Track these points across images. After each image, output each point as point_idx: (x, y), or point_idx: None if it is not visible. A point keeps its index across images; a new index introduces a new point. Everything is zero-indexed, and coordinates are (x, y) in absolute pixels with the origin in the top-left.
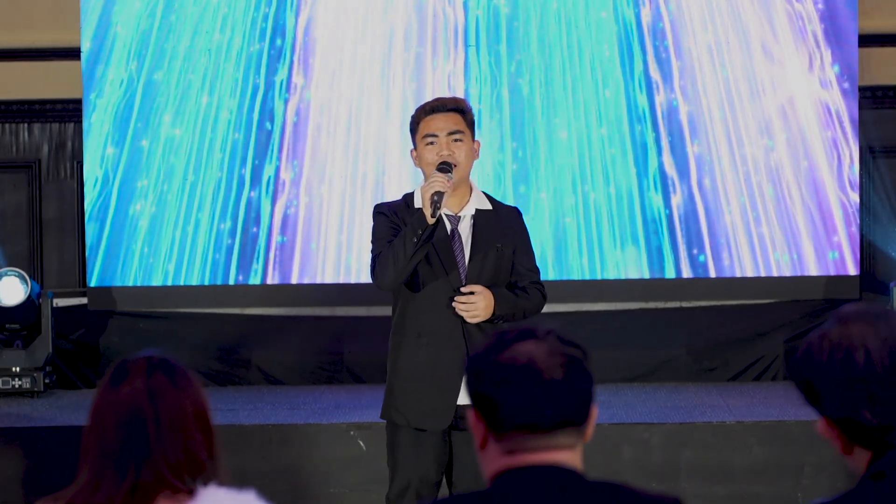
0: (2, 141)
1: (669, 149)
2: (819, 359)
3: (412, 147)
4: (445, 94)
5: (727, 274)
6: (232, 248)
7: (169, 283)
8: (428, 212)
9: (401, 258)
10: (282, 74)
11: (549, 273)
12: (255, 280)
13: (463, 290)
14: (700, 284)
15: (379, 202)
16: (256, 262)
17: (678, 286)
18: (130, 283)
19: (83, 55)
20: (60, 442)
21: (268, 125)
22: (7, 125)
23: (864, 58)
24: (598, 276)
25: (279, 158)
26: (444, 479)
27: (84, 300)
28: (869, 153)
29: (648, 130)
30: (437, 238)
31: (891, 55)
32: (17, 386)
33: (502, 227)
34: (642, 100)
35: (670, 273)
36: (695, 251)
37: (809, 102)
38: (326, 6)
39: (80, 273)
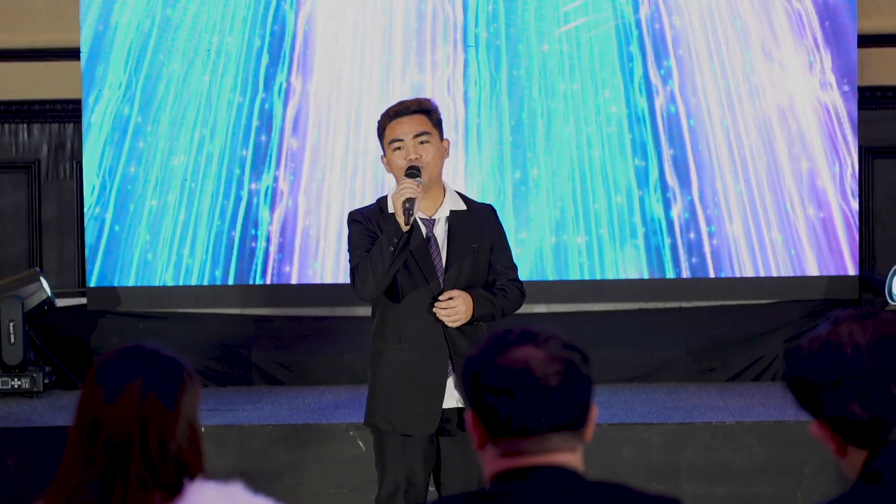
0: (1, 141)
1: (669, 149)
2: (809, 358)
3: (382, 154)
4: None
5: (727, 274)
6: (232, 247)
7: (169, 283)
8: (402, 220)
9: (379, 268)
10: (281, 73)
11: (548, 273)
12: (255, 280)
13: (441, 296)
14: (700, 284)
15: (353, 209)
16: (256, 262)
17: (678, 286)
18: (130, 284)
19: (82, 55)
20: (60, 442)
21: (267, 124)
22: (7, 125)
23: (864, 58)
24: (598, 277)
25: (279, 158)
26: (433, 482)
27: (84, 300)
28: (868, 153)
29: (648, 131)
30: (413, 244)
31: (891, 55)
32: (16, 386)
33: (477, 226)
34: (642, 101)
35: (670, 273)
36: (694, 251)
37: (809, 103)
38: (327, 5)
39: (80, 273)
